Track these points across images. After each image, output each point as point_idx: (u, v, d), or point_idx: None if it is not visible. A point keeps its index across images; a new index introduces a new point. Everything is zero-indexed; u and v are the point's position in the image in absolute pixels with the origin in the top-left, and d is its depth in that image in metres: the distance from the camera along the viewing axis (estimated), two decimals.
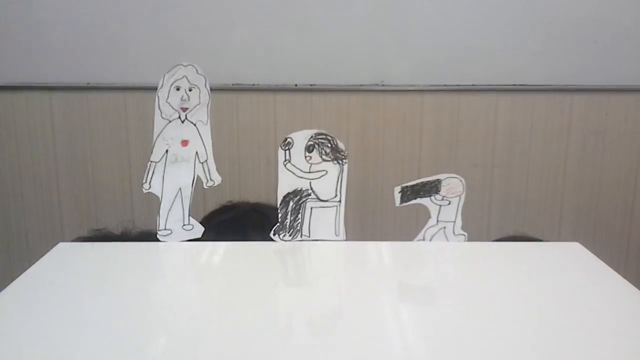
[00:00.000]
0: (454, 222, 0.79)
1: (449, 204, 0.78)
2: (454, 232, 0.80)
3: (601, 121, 1.75)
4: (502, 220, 1.80)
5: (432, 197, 0.78)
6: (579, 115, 1.75)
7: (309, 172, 0.78)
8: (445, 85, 1.72)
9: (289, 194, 0.79)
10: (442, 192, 0.78)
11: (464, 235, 0.80)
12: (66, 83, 1.72)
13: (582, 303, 0.64)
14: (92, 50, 1.70)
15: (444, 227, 0.79)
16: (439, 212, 0.78)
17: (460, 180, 0.78)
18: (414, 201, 0.78)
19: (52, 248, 0.76)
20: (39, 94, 1.73)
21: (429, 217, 0.79)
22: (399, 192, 0.77)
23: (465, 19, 1.68)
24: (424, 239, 0.80)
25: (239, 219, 1.08)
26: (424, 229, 0.80)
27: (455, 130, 1.76)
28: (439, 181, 0.77)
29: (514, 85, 1.72)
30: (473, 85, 1.72)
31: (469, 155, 1.77)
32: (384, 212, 1.76)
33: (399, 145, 1.76)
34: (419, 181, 0.77)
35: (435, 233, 0.80)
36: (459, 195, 0.78)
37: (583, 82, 1.72)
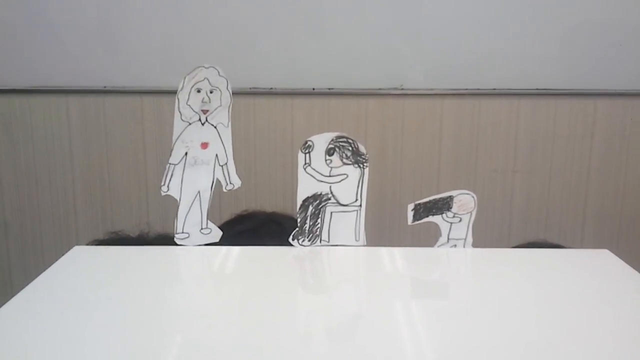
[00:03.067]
0: (465, 239, 0.78)
1: (460, 220, 0.78)
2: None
3: (625, 126, 1.73)
4: (524, 226, 1.77)
5: (444, 215, 0.77)
6: (603, 119, 1.73)
7: (329, 176, 0.78)
8: (465, 89, 1.70)
9: (308, 198, 0.78)
10: (454, 209, 0.77)
11: None
12: (82, 86, 1.72)
13: (618, 313, 0.62)
14: (109, 53, 1.70)
15: (455, 245, 0.79)
16: (449, 230, 0.78)
17: (472, 197, 0.77)
18: (425, 219, 0.78)
19: (67, 251, 0.76)
20: (56, 98, 1.74)
21: (440, 235, 0.79)
22: (412, 210, 0.77)
23: (487, 22, 1.67)
24: None
25: (257, 229, 1.07)
26: (434, 247, 0.79)
27: (476, 135, 1.74)
28: (450, 198, 0.77)
29: (536, 89, 1.70)
30: (494, 89, 1.70)
31: (489, 160, 1.75)
32: (403, 217, 1.73)
33: (418, 150, 1.74)
34: (431, 198, 0.77)
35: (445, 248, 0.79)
36: (470, 212, 0.77)
37: (607, 86, 1.70)
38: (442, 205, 0.77)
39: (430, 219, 0.78)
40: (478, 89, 1.70)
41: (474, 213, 0.77)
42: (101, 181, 1.78)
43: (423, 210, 0.77)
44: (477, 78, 1.70)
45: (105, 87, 1.72)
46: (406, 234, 1.75)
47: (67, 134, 1.76)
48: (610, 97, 1.71)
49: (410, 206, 0.77)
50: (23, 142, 1.77)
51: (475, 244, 0.79)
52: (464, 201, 0.77)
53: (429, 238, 0.80)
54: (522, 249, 0.85)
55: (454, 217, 0.78)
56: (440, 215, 0.78)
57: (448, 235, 0.78)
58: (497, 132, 1.74)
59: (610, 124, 1.73)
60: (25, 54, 1.71)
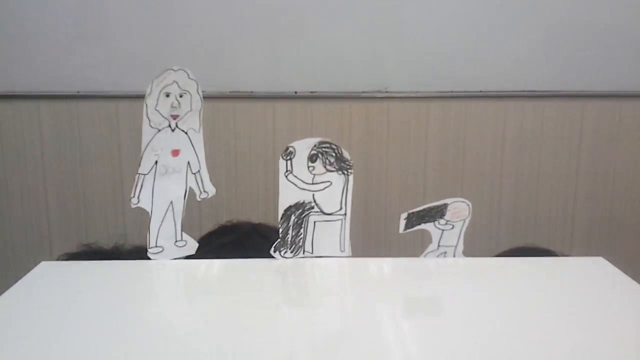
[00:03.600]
0: (455, 246, 0.77)
1: (452, 227, 0.76)
2: (454, 257, 0.78)
3: (614, 128, 1.74)
4: (512, 230, 1.78)
5: (436, 222, 0.76)
6: (591, 122, 1.73)
7: (312, 184, 0.76)
8: (451, 92, 1.70)
9: (290, 207, 0.76)
10: (447, 216, 0.76)
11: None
12: (55, 91, 1.70)
13: (616, 324, 0.60)
14: (82, 57, 1.68)
15: (445, 252, 0.77)
16: (440, 237, 0.77)
17: (467, 205, 0.76)
18: (417, 227, 0.76)
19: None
20: (27, 103, 1.71)
21: (430, 242, 0.77)
22: (405, 219, 0.76)
23: (472, 23, 1.67)
24: None
25: (241, 242, 1.03)
26: (423, 254, 0.78)
27: (462, 139, 1.74)
28: (445, 206, 0.76)
29: (523, 91, 1.71)
30: (480, 91, 1.70)
31: (476, 164, 1.75)
32: (389, 224, 1.72)
33: (403, 155, 1.74)
34: (425, 206, 0.76)
35: (435, 258, 0.78)
36: (464, 220, 0.76)
37: (595, 88, 1.70)
38: (436, 213, 0.76)
39: (422, 226, 0.76)
40: (465, 91, 1.70)
41: (467, 221, 0.76)
42: (75, 190, 1.76)
43: (416, 219, 0.76)
44: (463, 80, 1.69)
45: (78, 92, 1.70)
46: (393, 242, 1.74)
47: (38, 142, 1.73)
48: (597, 99, 1.72)
49: (403, 215, 0.75)
50: None
51: (463, 250, 0.78)
52: (459, 209, 0.76)
53: (416, 246, 0.79)
54: (515, 258, 0.84)
55: (446, 224, 0.76)
56: (432, 223, 0.76)
57: (439, 243, 0.77)
58: (484, 135, 1.74)
59: (598, 126, 1.74)
60: None
